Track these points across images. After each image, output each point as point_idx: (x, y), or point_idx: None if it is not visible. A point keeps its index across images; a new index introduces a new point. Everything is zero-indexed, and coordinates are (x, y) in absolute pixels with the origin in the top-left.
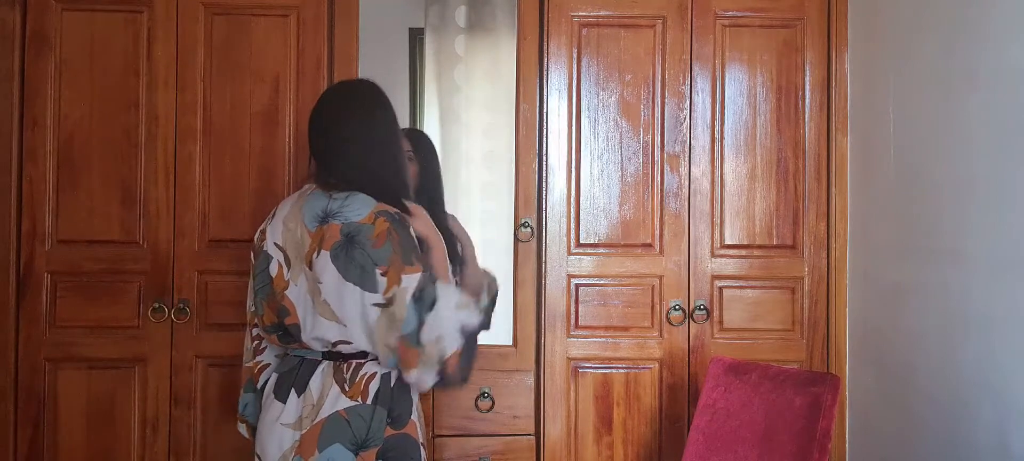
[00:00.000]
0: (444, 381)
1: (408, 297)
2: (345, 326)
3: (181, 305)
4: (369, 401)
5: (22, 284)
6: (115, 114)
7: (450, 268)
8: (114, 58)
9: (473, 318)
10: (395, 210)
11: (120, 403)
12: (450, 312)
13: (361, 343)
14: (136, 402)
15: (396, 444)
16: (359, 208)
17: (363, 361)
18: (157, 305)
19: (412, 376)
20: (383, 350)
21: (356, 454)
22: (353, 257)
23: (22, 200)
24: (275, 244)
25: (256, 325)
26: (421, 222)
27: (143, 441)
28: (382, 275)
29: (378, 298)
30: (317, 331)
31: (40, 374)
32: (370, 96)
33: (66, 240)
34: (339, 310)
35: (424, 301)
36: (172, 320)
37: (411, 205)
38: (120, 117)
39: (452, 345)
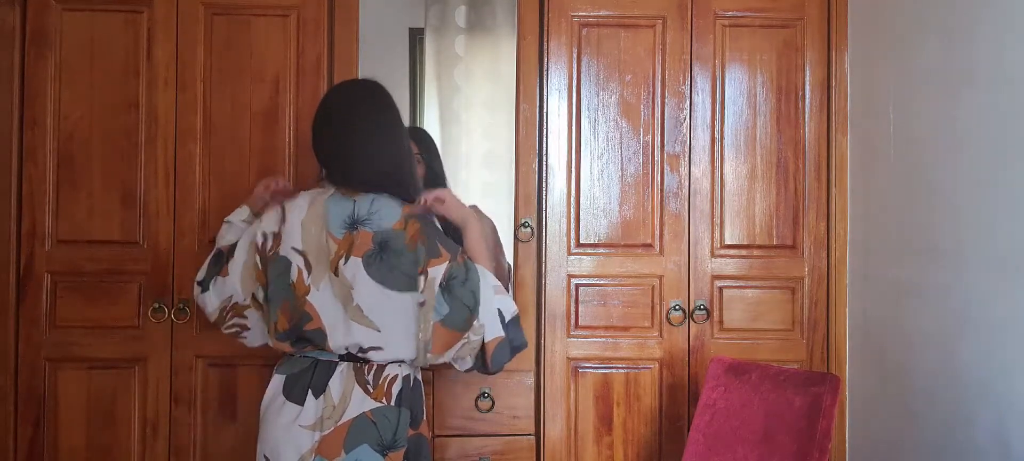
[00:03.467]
0: (485, 368)
1: (436, 287)
2: (379, 331)
3: (181, 305)
4: (393, 403)
5: (22, 284)
6: (115, 114)
7: (497, 243)
8: (114, 58)
9: (510, 304)
10: (420, 209)
11: (120, 403)
12: (488, 296)
13: (395, 349)
14: (136, 402)
15: (415, 444)
16: (389, 214)
17: (384, 364)
18: (157, 305)
19: (448, 356)
20: (421, 344)
21: (384, 455)
22: (392, 265)
23: (22, 200)
24: (293, 248)
25: (240, 313)
26: (452, 206)
27: (143, 441)
28: (420, 274)
29: (420, 297)
30: (351, 337)
31: (40, 374)
32: (377, 96)
33: (66, 240)
34: (376, 317)
35: (453, 288)
36: (172, 320)
37: (437, 190)
38: (120, 117)
39: (492, 331)
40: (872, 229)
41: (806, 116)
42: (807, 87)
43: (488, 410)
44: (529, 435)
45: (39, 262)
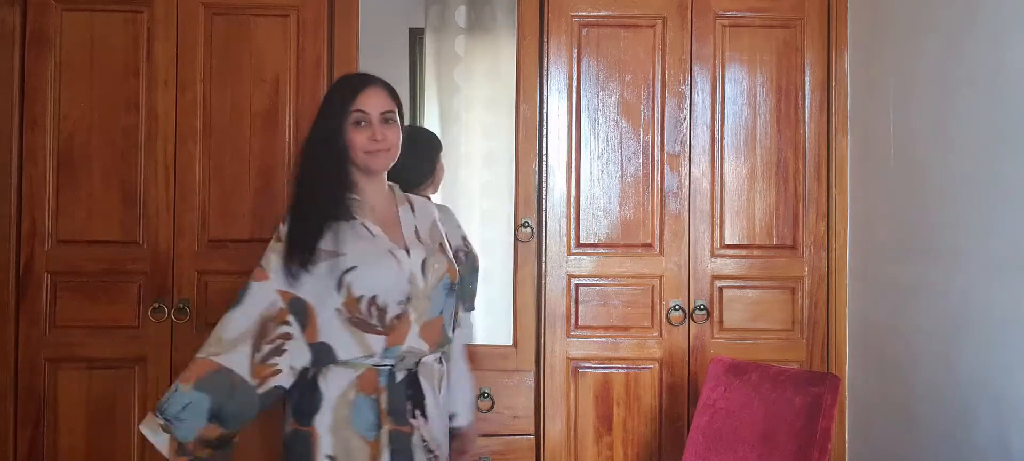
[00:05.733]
0: None
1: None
2: None
3: (181, 305)
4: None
5: (22, 284)
6: (115, 114)
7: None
8: (114, 58)
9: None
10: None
11: (120, 403)
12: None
13: None
14: (136, 402)
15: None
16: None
17: None
18: (157, 305)
19: None
20: None
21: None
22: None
23: (22, 200)
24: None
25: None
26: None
27: (143, 441)
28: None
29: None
30: None
31: (40, 374)
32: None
33: (66, 240)
34: None
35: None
36: (172, 320)
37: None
38: (120, 117)
39: None
40: (872, 229)
41: (806, 116)
42: (807, 87)
43: (488, 410)
44: (529, 435)
45: (39, 262)
